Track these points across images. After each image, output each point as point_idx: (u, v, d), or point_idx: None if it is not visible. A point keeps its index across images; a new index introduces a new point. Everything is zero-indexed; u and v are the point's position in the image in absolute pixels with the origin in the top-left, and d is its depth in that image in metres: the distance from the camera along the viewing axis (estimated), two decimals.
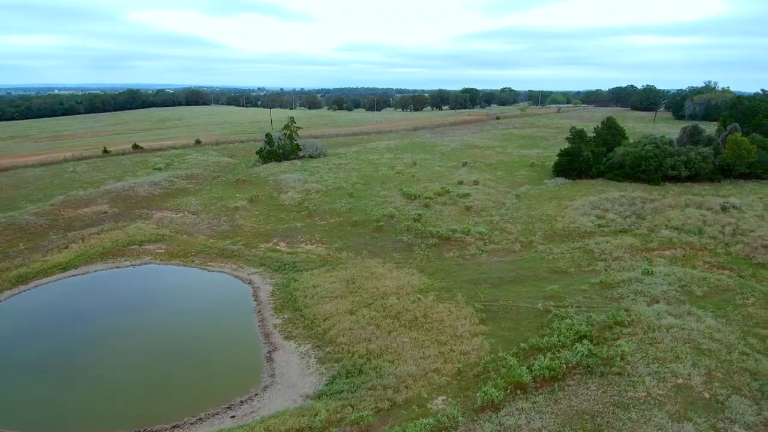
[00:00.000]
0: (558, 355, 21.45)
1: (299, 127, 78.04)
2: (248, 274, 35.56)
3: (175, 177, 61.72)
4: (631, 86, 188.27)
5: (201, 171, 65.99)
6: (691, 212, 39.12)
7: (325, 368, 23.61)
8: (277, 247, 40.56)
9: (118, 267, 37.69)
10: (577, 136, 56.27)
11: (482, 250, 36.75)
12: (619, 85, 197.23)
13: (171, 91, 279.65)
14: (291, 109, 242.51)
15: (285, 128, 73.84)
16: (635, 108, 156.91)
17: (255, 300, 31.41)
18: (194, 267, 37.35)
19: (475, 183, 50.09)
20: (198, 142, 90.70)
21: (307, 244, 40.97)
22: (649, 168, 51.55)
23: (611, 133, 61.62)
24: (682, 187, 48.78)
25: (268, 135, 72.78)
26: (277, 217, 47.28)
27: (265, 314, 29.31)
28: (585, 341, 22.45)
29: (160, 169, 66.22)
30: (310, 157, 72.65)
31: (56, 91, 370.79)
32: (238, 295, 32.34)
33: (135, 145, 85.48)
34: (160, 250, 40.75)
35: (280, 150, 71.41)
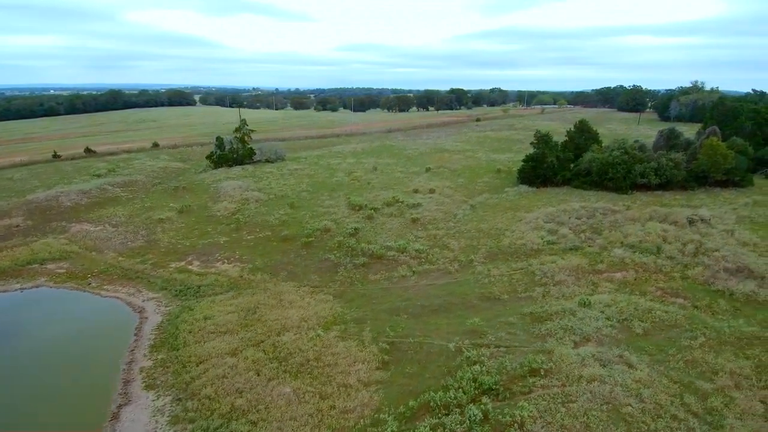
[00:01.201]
0: (444, 419, 17.39)
1: (252, 130, 73.83)
2: (143, 301, 31.39)
3: (111, 184, 57.48)
4: (620, 86, 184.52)
5: (142, 178, 61.76)
6: (653, 226, 35.02)
7: None
8: (189, 267, 36.38)
9: (6, 291, 33.51)
10: (541, 140, 52.10)
11: (414, 271, 32.65)
12: (608, 85, 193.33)
13: (152, 92, 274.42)
14: (277, 109, 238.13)
15: (236, 131, 69.63)
16: (621, 109, 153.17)
17: (135, 335, 27.23)
18: (88, 291, 33.15)
19: (431, 191, 45.47)
20: (155, 145, 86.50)
21: (223, 262, 36.79)
22: (617, 176, 47.54)
23: (583, 136, 57.57)
24: (651, 197, 44.76)
25: (219, 138, 68.57)
26: (202, 230, 43.05)
27: (137, 354, 25.14)
28: (486, 398, 18.41)
29: (99, 176, 61.99)
30: (267, 161, 68.48)
31: (52, 91, 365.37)
32: (120, 328, 28.16)
33: (87, 149, 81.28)
34: (60, 270, 36.56)
35: (232, 154, 67.21)
